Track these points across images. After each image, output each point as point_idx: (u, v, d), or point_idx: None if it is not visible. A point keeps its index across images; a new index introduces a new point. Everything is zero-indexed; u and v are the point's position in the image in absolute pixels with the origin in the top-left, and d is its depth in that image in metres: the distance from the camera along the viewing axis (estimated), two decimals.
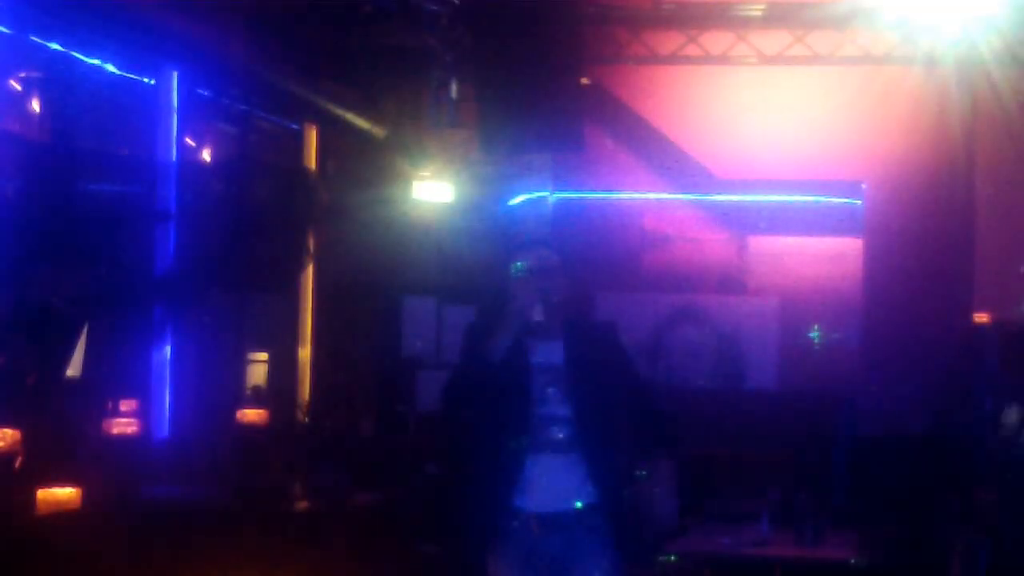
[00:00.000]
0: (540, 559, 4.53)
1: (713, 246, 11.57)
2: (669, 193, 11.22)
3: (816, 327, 11.35)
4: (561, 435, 4.53)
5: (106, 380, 7.60)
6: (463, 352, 4.56)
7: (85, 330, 7.36)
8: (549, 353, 4.56)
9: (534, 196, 11.42)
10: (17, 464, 6.43)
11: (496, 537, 4.53)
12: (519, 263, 4.55)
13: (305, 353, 10.54)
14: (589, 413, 4.53)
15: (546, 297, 4.50)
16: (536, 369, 4.54)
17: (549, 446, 4.52)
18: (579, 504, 4.53)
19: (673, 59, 10.61)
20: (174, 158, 8.63)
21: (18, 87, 7.58)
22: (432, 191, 10.73)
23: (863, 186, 10.77)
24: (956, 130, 10.16)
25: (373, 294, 10.94)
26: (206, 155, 9.51)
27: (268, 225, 9.29)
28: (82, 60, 7.90)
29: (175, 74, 8.61)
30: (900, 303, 10.43)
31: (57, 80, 7.76)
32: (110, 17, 7.36)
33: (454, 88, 9.66)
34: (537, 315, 4.46)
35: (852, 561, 6.66)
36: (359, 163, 10.88)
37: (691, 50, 10.56)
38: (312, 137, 10.58)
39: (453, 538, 4.72)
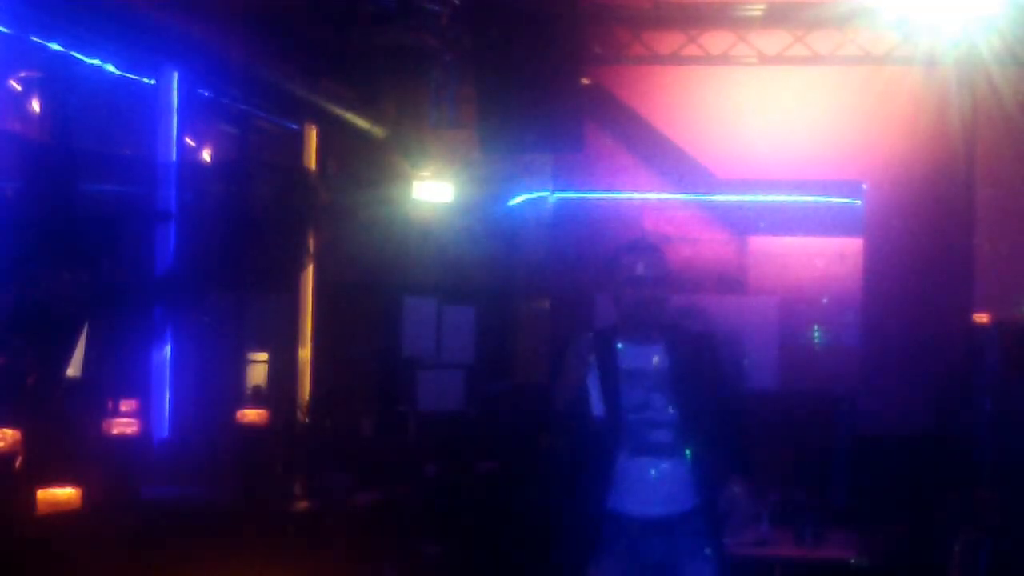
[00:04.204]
0: (642, 562, 4.53)
1: (713, 246, 11.55)
2: (669, 193, 11.20)
3: (816, 327, 11.34)
4: (664, 439, 4.54)
5: (106, 380, 7.59)
6: (563, 360, 4.51)
7: (85, 330, 7.35)
8: (652, 358, 4.57)
9: (534, 196, 11.42)
10: (17, 464, 6.42)
11: (598, 542, 4.52)
12: (632, 266, 4.55)
13: (305, 353, 10.54)
14: (693, 418, 4.54)
15: (655, 302, 4.50)
16: (640, 373, 4.55)
17: (652, 450, 4.54)
18: (681, 508, 4.55)
19: (673, 59, 10.59)
20: (174, 158, 8.63)
21: (18, 87, 7.57)
22: (432, 191, 10.73)
23: (863, 186, 10.76)
24: (956, 130, 10.15)
25: (373, 294, 10.94)
26: (206, 155, 9.50)
27: (268, 225, 9.28)
28: (82, 60, 7.89)
29: (175, 74, 8.61)
30: (900, 303, 10.42)
31: (57, 80, 7.75)
32: (110, 17, 7.34)
33: (454, 88, 9.65)
34: (643, 319, 4.47)
35: (852, 561, 6.66)
36: (359, 163, 10.88)
37: (691, 50, 10.54)
38: (312, 137, 10.58)
39: (555, 544, 4.69)
